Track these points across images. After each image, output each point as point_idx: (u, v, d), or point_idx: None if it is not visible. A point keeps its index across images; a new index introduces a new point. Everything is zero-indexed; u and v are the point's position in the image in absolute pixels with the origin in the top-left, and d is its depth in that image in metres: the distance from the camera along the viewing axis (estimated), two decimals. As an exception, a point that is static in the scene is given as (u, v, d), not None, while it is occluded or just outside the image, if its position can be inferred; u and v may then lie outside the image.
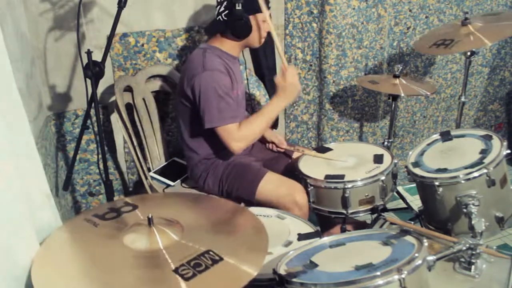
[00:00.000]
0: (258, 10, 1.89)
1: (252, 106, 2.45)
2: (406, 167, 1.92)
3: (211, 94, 1.84)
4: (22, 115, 1.22)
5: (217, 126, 1.86)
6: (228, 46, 1.96)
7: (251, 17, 1.89)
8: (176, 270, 1.08)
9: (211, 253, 1.14)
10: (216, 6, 1.92)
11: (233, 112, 1.88)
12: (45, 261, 1.17)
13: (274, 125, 2.61)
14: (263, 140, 2.27)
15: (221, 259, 1.12)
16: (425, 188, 1.85)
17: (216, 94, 1.84)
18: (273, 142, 2.24)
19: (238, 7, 1.83)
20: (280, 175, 2.00)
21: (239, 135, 1.88)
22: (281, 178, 1.97)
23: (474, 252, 1.39)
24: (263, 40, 2.00)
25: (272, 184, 1.93)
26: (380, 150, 2.08)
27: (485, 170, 1.69)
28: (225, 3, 1.88)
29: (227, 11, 1.88)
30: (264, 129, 1.96)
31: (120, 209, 1.39)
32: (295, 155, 2.22)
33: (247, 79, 2.45)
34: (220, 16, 1.91)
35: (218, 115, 1.85)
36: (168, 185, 2.18)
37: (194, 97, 1.89)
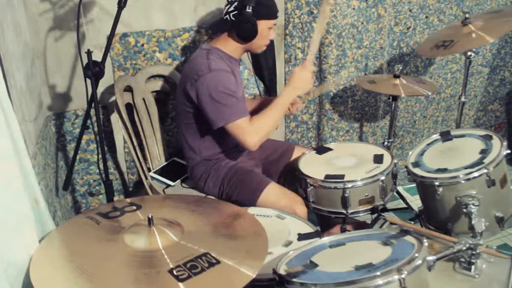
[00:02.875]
0: (266, 16, 1.90)
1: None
2: (406, 167, 1.93)
3: (219, 93, 1.83)
4: (11, 116, 1.21)
5: (228, 122, 1.83)
6: (231, 48, 1.96)
7: (258, 22, 1.88)
8: (171, 271, 1.08)
9: (208, 256, 1.14)
10: (226, 5, 1.92)
11: (242, 107, 1.87)
12: (44, 259, 1.18)
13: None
14: None
15: (218, 262, 1.13)
16: (425, 188, 1.85)
17: (224, 93, 1.83)
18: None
19: (248, 9, 1.83)
20: (281, 186, 1.99)
21: (251, 129, 1.85)
22: (282, 190, 1.96)
23: (474, 252, 1.39)
24: (264, 47, 2.00)
25: (273, 195, 1.92)
26: (380, 150, 2.08)
27: (485, 170, 1.69)
28: (235, 3, 1.88)
29: (236, 12, 1.87)
30: (278, 120, 1.93)
31: (123, 209, 1.40)
32: (295, 154, 2.21)
33: (247, 79, 2.45)
34: (228, 16, 1.90)
35: (229, 111, 1.83)
36: (168, 185, 2.18)
37: (198, 98, 1.87)
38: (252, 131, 1.84)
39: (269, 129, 1.89)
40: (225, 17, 1.92)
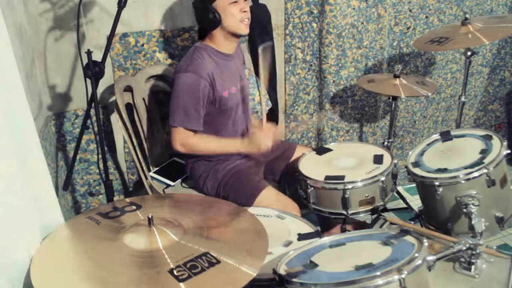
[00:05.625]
0: None
1: (252, 106, 2.45)
2: (406, 167, 1.92)
3: (184, 95, 1.86)
4: (27, 114, 1.22)
5: (173, 125, 1.89)
6: (217, 42, 1.95)
7: (214, 4, 1.84)
8: (171, 271, 1.08)
9: (208, 255, 1.14)
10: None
11: (196, 122, 1.89)
12: (45, 259, 1.18)
13: (274, 121, 2.60)
14: None
15: (218, 262, 1.13)
16: (425, 188, 1.85)
17: (188, 97, 1.86)
18: None
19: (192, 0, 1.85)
20: (277, 192, 1.98)
21: (186, 141, 1.91)
22: (277, 196, 1.95)
23: (474, 252, 1.39)
24: (245, 21, 1.89)
25: (268, 201, 1.91)
26: (380, 150, 2.08)
27: (485, 170, 1.69)
28: (193, 5, 1.92)
29: (195, 9, 1.90)
30: (211, 153, 2.00)
31: (123, 208, 1.40)
32: (296, 154, 2.21)
33: (247, 79, 2.45)
34: (197, 21, 1.94)
35: (182, 117, 1.87)
36: (168, 185, 2.18)
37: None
38: (185, 144, 1.92)
39: (198, 151, 1.98)
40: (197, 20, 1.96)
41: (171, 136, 1.92)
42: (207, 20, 1.87)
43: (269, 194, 1.94)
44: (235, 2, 1.85)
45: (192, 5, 1.92)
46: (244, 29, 1.91)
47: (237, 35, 1.94)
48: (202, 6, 1.85)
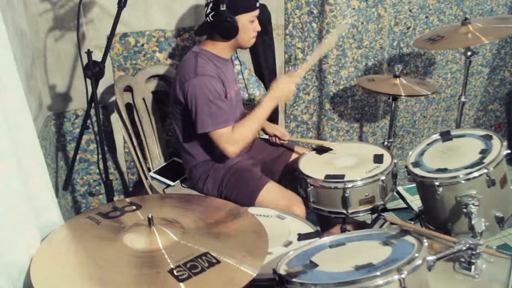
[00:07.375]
0: (244, 10, 1.87)
1: (252, 106, 2.45)
2: (406, 167, 1.93)
3: (203, 99, 1.84)
4: (25, 115, 1.22)
5: (210, 131, 1.87)
6: (219, 48, 1.95)
7: (237, 17, 1.86)
8: (171, 271, 1.08)
9: (208, 255, 1.14)
10: (204, 7, 1.92)
11: (225, 116, 1.88)
12: (45, 259, 1.18)
13: (274, 121, 2.60)
14: (265, 133, 2.27)
15: (218, 262, 1.13)
16: (425, 188, 1.85)
17: (207, 99, 1.84)
18: (275, 135, 2.23)
19: (223, 7, 1.82)
20: (280, 186, 1.99)
21: (232, 139, 1.89)
22: (281, 190, 1.96)
23: (474, 252, 1.39)
24: (253, 40, 1.97)
25: (271, 195, 1.92)
26: (380, 150, 2.08)
27: (485, 170, 1.69)
28: (211, 4, 1.87)
29: (213, 12, 1.86)
30: (257, 130, 1.98)
31: (123, 208, 1.40)
32: (294, 155, 2.22)
33: (247, 79, 2.45)
34: (207, 18, 1.90)
35: (210, 120, 1.85)
36: (168, 185, 2.18)
37: (186, 102, 1.89)
38: (233, 141, 1.89)
39: (249, 139, 1.95)
40: (206, 20, 1.92)
41: (218, 143, 1.89)
42: (227, 30, 1.87)
43: (272, 188, 1.95)
44: (253, 21, 1.91)
45: (210, 10, 1.87)
46: (251, 44, 1.99)
47: (240, 47, 2.01)
48: (226, 15, 1.83)
